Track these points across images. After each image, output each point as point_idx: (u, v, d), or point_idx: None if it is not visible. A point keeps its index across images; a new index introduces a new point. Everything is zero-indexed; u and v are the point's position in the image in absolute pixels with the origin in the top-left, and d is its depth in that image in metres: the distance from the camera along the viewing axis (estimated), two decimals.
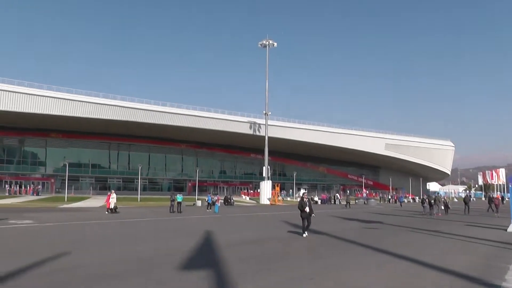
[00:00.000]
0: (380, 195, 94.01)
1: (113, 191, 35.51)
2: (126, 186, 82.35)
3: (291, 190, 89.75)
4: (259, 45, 67.52)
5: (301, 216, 18.44)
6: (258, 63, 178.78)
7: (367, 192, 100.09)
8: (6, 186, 69.21)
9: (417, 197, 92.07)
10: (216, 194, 57.46)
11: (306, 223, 18.28)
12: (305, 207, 18.15)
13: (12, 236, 17.63)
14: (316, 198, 65.96)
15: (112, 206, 32.38)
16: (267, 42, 66.74)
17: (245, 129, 77.23)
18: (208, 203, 42.10)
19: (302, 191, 49.57)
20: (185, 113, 72.20)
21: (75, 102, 62.69)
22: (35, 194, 64.12)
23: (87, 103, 63.79)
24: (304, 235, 17.80)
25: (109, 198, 32.93)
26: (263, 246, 15.55)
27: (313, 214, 18.78)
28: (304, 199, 18.63)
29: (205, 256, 12.98)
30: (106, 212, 32.01)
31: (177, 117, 71.55)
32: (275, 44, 67.33)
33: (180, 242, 16.18)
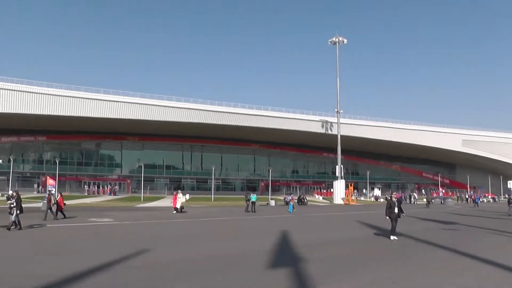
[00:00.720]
0: (457, 194, 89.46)
1: (179, 191, 36.17)
2: (200, 186, 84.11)
3: (364, 190, 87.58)
4: (329, 43, 66.28)
5: (389, 217, 17.23)
6: (330, 61, 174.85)
7: (444, 191, 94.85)
8: (85, 186, 73.62)
9: (496, 197, 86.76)
10: (290, 194, 57.11)
11: (395, 225, 17.05)
12: (394, 207, 17.11)
13: (94, 233, 18.28)
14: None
15: (178, 205, 32.72)
16: (337, 39, 65.23)
17: (317, 128, 76.13)
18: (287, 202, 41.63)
19: (383, 191, 47.63)
20: (256, 114, 72.51)
21: (149, 106, 65.07)
22: (112, 194, 67.37)
23: (161, 107, 65.93)
24: (392, 238, 16.55)
25: (175, 198, 33.32)
26: (344, 246, 15.04)
27: (403, 214, 17.90)
28: (393, 199, 17.65)
29: (285, 255, 12.71)
30: (174, 212, 32.40)
31: (248, 117, 72.00)
32: (345, 40, 65.70)
33: (259, 242, 15.98)
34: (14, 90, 58.89)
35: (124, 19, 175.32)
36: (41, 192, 64.65)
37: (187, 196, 60.58)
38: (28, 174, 75.39)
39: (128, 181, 79.96)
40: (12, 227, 17.65)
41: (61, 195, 25.92)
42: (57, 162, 56.48)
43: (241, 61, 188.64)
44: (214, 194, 62.01)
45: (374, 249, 14.54)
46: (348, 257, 12.56)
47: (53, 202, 23.94)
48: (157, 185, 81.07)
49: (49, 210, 23.68)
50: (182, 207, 33.14)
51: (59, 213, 24.30)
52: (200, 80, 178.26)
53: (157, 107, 65.60)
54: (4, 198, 26.26)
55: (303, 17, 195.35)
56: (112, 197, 62.51)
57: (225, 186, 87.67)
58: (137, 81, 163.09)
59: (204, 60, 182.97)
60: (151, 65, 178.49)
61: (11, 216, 17.73)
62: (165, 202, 50.97)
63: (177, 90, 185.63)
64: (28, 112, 59.63)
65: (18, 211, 17.73)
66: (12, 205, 17.87)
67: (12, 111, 59.29)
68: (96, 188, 74.32)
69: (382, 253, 13.64)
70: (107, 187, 73.36)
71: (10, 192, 18.55)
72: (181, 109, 67.09)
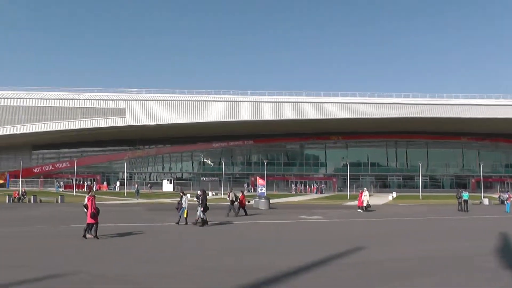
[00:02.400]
0: None
1: (365, 188, 35.43)
2: (406, 183, 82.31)
3: None
4: None
5: None
6: None
7: None
8: (292, 185, 79.01)
9: None
10: (506, 192, 52.09)
11: None
12: None
13: (308, 229, 19.67)
14: None
15: (365, 204, 32.03)
16: None
17: None
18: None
19: None
20: (463, 103, 67.65)
21: (353, 104, 66.39)
22: (319, 193, 70.37)
23: (365, 104, 66.67)
24: None
25: (361, 196, 32.70)
26: None
27: None
28: None
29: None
30: (358, 210, 31.77)
31: (454, 108, 67.68)
32: None
33: (475, 243, 15.32)
34: (222, 101, 67.16)
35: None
36: (251, 192, 72.28)
37: (394, 194, 60.15)
38: (237, 175, 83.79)
39: (334, 179, 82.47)
40: (196, 222, 19.55)
41: (242, 193, 28.05)
42: (265, 163, 62.31)
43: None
44: (422, 192, 59.99)
45: None
46: None
47: (231, 198, 26.10)
48: (363, 183, 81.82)
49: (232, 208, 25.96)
50: (368, 205, 32.53)
51: (241, 210, 26.41)
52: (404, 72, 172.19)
53: (361, 104, 66.53)
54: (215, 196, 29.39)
55: None
56: (318, 195, 65.45)
57: (433, 183, 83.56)
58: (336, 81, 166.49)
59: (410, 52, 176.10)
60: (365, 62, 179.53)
61: (197, 212, 19.70)
62: (372, 200, 51.33)
63: (383, 86, 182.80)
64: (236, 119, 67.08)
65: (202, 208, 19.37)
66: (180, 202, 20.09)
67: (223, 120, 67.32)
68: (302, 187, 78.94)
69: None
70: (313, 186, 77.08)
71: (198, 191, 20.98)
72: (384, 105, 66.76)
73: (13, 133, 70.03)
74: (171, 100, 68.41)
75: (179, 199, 20.57)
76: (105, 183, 78.62)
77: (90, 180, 78.18)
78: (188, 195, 20.93)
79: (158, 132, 74.18)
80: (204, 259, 11.57)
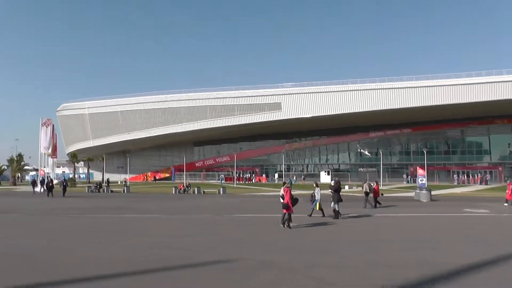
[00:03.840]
0: None
1: None
2: None
3: None
4: None
5: None
6: None
7: None
8: (454, 176, 74.96)
9: None
10: None
11: None
12: None
13: (471, 223, 19.11)
14: None
15: None
16: None
17: None
18: None
19: None
20: None
21: None
22: (483, 183, 65.83)
23: None
24: None
25: (510, 188, 29.54)
26: None
27: None
28: None
29: None
30: (505, 204, 29.08)
31: None
32: None
33: None
34: (377, 89, 67.31)
35: None
36: (411, 182, 70.52)
37: None
38: (395, 166, 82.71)
39: (499, 168, 76.84)
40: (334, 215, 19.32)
41: (377, 183, 27.93)
42: (424, 152, 60.31)
43: None
44: None
45: None
46: None
47: (365, 190, 26.22)
48: None
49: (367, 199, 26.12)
50: None
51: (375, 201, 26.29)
52: None
53: None
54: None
55: None
56: (483, 186, 61.31)
57: None
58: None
59: None
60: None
61: (331, 204, 19.59)
62: None
63: None
64: (393, 107, 66.72)
65: (335, 200, 19.32)
66: (313, 193, 19.92)
67: (379, 108, 67.46)
68: (465, 177, 74.64)
69: None
70: (477, 176, 72.40)
71: (332, 182, 20.96)
72: None
73: (176, 131, 78.95)
74: (325, 92, 70.32)
75: (313, 191, 20.41)
76: (263, 175, 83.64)
77: (250, 173, 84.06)
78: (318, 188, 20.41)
79: (313, 124, 76.79)
80: (351, 251, 11.73)
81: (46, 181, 40.98)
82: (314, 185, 20.57)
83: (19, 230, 16.00)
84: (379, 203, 26.84)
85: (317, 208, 19.51)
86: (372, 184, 27.53)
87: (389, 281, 8.19)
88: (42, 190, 43.18)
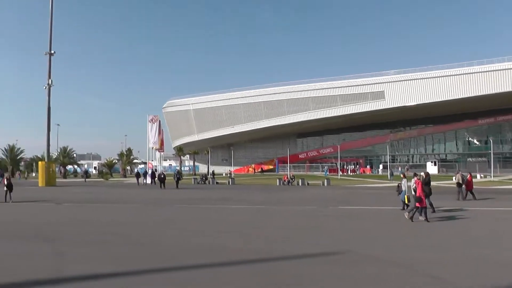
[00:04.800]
0: None
1: None
2: None
3: None
4: None
5: None
6: None
7: None
8: None
9: None
10: None
11: None
12: None
13: None
14: None
15: None
16: None
17: None
18: None
19: None
20: None
21: None
22: None
23: None
24: None
25: None
26: None
27: None
28: None
29: None
30: None
31: None
32: None
33: None
34: (487, 72, 64.45)
35: None
36: None
37: None
38: (507, 155, 78.16)
39: None
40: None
41: (470, 175, 25.82)
42: None
43: None
44: None
45: None
46: None
47: (458, 180, 24.36)
48: None
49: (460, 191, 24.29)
50: None
51: (468, 193, 24.55)
52: None
53: None
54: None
55: None
56: None
57: None
58: None
59: None
60: None
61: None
62: None
63: None
64: (504, 90, 63.42)
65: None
66: (399, 185, 18.86)
67: (489, 92, 64.56)
68: None
69: None
70: None
71: (422, 173, 19.44)
72: None
73: (279, 124, 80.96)
74: (430, 78, 68.60)
75: (400, 181, 19.37)
76: (368, 167, 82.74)
77: (353, 164, 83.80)
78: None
79: (418, 112, 75.05)
80: (456, 247, 11.08)
81: (158, 173, 43.10)
82: (402, 175, 19.84)
83: (147, 218, 17.13)
84: (474, 196, 24.60)
85: (406, 201, 18.03)
86: (465, 175, 25.52)
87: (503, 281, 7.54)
88: (145, 182, 46.34)
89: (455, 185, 25.84)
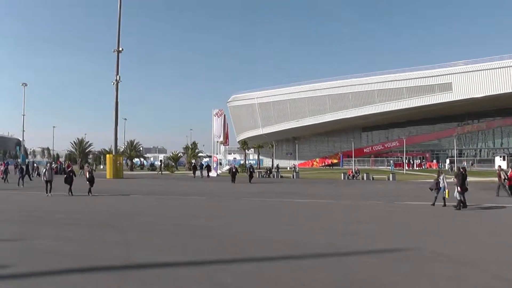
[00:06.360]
0: None
1: None
2: None
3: None
4: None
5: None
6: None
7: None
8: None
9: None
10: None
11: None
12: None
13: None
14: None
15: None
16: None
17: None
18: None
19: None
20: None
21: None
22: None
23: None
24: None
25: None
26: None
27: None
28: None
29: None
30: None
31: None
32: None
33: None
34: None
35: None
36: None
37: None
38: None
39: None
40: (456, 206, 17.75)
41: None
42: None
43: None
44: None
45: None
46: None
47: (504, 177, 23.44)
48: None
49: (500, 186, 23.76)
50: None
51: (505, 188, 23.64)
52: None
53: None
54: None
55: None
56: None
57: None
58: None
59: None
60: None
61: (456, 195, 17.88)
62: None
63: None
64: None
65: (459, 188, 17.75)
66: (436, 181, 18.70)
67: None
68: None
69: None
70: None
71: (461, 168, 19.60)
72: None
73: (344, 117, 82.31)
74: (500, 68, 68.02)
75: (437, 178, 19.14)
76: (434, 161, 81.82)
77: (420, 158, 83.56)
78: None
79: (487, 104, 74.37)
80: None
81: (229, 167, 45.00)
82: (439, 172, 19.66)
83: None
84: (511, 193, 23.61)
85: (447, 196, 18.31)
86: (507, 171, 24.96)
87: None
88: (203, 175, 48.64)
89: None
